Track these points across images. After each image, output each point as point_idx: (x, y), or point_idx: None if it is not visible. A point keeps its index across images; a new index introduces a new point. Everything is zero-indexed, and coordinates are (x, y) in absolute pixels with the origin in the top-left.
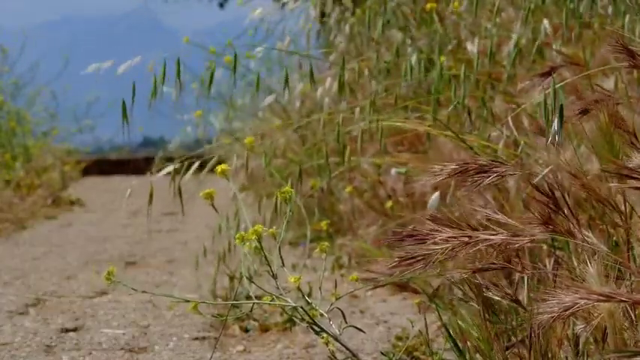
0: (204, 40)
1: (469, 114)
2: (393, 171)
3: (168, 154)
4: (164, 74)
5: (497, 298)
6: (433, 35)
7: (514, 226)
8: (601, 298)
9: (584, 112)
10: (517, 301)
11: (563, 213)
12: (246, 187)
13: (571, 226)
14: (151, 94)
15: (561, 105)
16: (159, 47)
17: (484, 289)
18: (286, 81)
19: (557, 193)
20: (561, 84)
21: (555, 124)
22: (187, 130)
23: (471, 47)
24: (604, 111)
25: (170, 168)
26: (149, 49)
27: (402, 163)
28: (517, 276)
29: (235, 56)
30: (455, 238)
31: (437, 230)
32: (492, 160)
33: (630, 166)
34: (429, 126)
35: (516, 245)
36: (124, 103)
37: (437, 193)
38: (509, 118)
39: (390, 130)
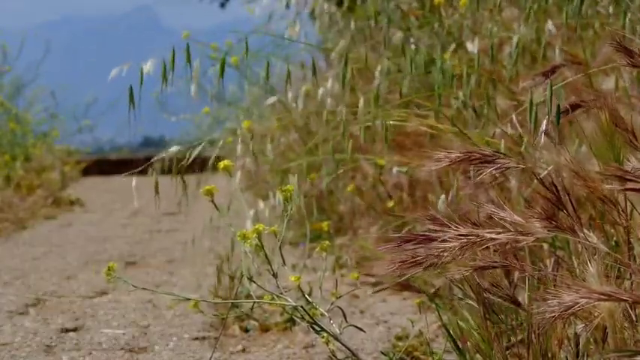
0: (204, 40)
1: (474, 111)
2: (395, 170)
3: (169, 154)
4: (173, 62)
5: (496, 299)
6: (435, 34)
7: (520, 224)
8: (602, 297)
9: (575, 107)
10: (516, 302)
11: (566, 210)
12: (247, 187)
13: (574, 223)
14: (162, 79)
15: (558, 105)
16: (159, 47)
17: (484, 291)
18: (288, 76)
19: (561, 190)
20: (562, 83)
21: (544, 124)
22: (187, 129)
23: (472, 47)
24: (605, 110)
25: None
26: (149, 49)
27: (404, 162)
28: (516, 276)
29: (247, 47)
30: (464, 236)
31: (444, 229)
32: (496, 151)
33: (627, 168)
34: (431, 124)
35: (523, 244)
36: (131, 89)
37: (443, 196)
38: (514, 116)
39: (391, 131)
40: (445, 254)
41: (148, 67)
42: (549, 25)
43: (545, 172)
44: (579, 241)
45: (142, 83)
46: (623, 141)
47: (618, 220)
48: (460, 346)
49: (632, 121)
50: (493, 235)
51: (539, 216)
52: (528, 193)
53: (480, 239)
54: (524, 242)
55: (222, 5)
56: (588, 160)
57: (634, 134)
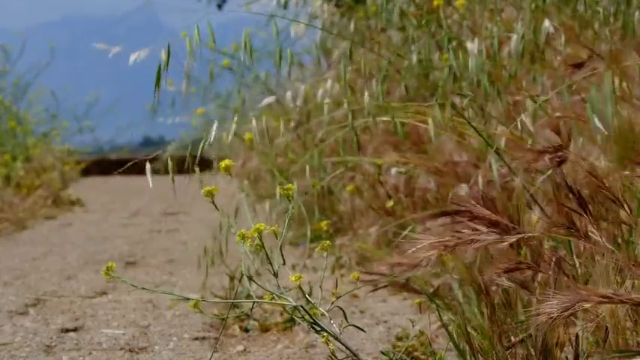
0: (203, 40)
1: (482, 109)
2: (394, 170)
3: (168, 155)
4: (168, 59)
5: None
6: (432, 35)
7: (505, 225)
8: (603, 300)
9: (578, 65)
10: (526, 288)
11: (585, 213)
12: (247, 187)
13: (589, 227)
14: (156, 78)
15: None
16: (159, 48)
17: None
18: (291, 59)
19: (578, 193)
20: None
21: (596, 120)
22: (187, 130)
23: (471, 46)
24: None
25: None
26: (150, 49)
27: (403, 162)
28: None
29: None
30: (439, 242)
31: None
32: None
33: None
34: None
35: (505, 243)
36: (159, 67)
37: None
38: (524, 115)
39: (390, 131)
40: (427, 260)
41: (137, 56)
42: (547, 24)
43: (548, 173)
44: (587, 243)
45: (167, 60)
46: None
47: (624, 219)
48: (461, 346)
49: None
50: (475, 237)
51: (558, 224)
52: (533, 191)
53: (460, 240)
54: (507, 241)
55: (219, 6)
56: (596, 158)
57: None
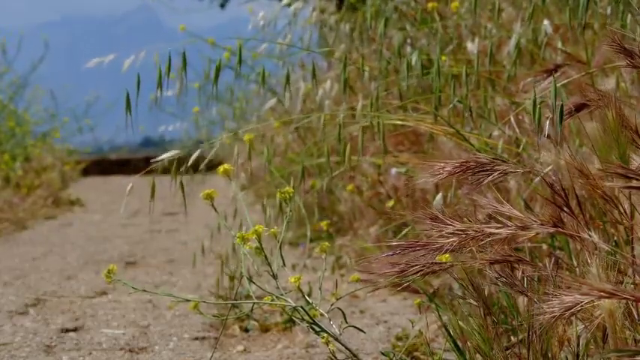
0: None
1: (470, 112)
2: (393, 170)
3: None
4: (169, 67)
5: (507, 290)
6: (433, 35)
7: (520, 220)
8: (603, 294)
9: (580, 107)
10: (524, 293)
11: (573, 213)
12: (247, 187)
13: (578, 227)
14: (157, 86)
15: (561, 105)
16: (160, 47)
17: (494, 279)
18: (287, 80)
19: (568, 193)
20: (565, 82)
21: (547, 124)
22: (188, 130)
23: (472, 47)
24: (612, 109)
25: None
26: (150, 49)
27: (402, 162)
28: (527, 272)
29: (240, 51)
30: (462, 231)
31: (444, 224)
32: (494, 158)
33: (631, 167)
34: (430, 124)
35: (523, 238)
36: (127, 96)
37: (440, 194)
38: (512, 117)
39: (390, 130)
40: (449, 248)
41: (132, 60)
42: (546, 25)
43: (545, 172)
44: (583, 245)
45: (138, 89)
46: (628, 140)
47: (620, 219)
48: (460, 346)
49: (635, 120)
50: (492, 230)
51: (546, 222)
52: (528, 194)
53: (478, 234)
54: (524, 237)
55: (222, 6)
56: (589, 159)
57: (637, 133)
